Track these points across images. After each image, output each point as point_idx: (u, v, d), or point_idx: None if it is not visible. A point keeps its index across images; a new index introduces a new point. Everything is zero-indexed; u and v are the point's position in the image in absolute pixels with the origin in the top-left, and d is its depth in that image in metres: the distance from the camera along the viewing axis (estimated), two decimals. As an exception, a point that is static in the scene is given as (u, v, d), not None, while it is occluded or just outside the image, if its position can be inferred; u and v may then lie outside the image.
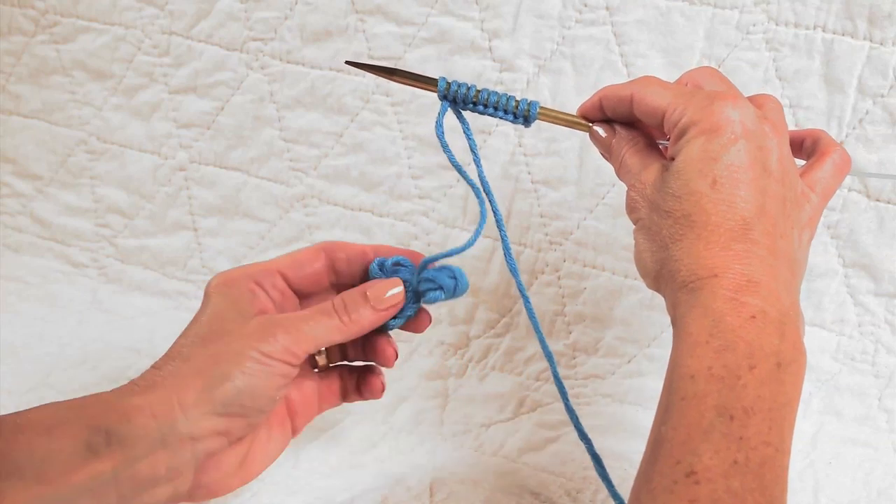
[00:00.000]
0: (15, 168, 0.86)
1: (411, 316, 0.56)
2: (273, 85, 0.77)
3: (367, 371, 0.60)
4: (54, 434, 0.46)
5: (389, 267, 0.56)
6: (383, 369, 0.60)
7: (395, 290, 0.54)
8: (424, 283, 0.54)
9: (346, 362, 0.61)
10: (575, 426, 0.56)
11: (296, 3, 0.74)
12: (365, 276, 0.57)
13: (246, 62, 0.77)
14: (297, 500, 0.64)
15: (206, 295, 0.54)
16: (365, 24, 0.73)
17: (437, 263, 0.55)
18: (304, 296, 0.58)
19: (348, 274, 0.58)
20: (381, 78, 0.74)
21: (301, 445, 0.68)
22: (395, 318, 0.56)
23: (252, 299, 0.54)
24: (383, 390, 0.59)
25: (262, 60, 0.77)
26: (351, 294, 0.54)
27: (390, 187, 0.77)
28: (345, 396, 0.60)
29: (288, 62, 0.76)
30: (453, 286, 0.54)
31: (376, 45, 0.73)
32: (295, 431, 0.58)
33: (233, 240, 0.81)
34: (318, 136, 0.77)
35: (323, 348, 0.57)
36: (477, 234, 0.52)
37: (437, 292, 0.54)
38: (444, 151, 0.53)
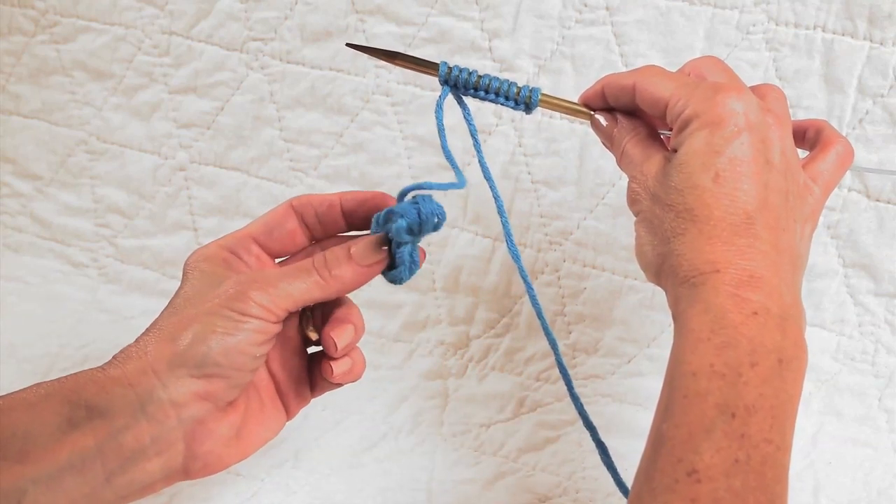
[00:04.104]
0: (15, 168, 0.86)
1: (409, 259, 0.52)
2: (273, 85, 0.77)
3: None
4: (35, 411, 0.46)
5: (382, 218, 0.52)
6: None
7: (381, 248, 0.52)
8: (389, 215, 0.50)
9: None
10: (579, 413, 0.56)
11: (296, 3, 0.74)
12: (343, 227, 0.55)
13: (246, 62, 0.77)
14: (297, 499, 0.64)
15: (183, 273, 0.53)
16: (365, 24, 0.73)
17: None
18: (282, 258, 0.56)
19: (322, 229, 0.55)
20: (381, 78, 0.75)
21: (301, 445, 0.68)
22: (391, 268, 0.52)
23: (227, 268, 0.53)
24: (332, 374, 0.54)
25: (262, 60, 0.77)
26: (333, 250, 0.52)
27: (390, 188, 0.76)
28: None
29: (288, 62, 0.76)
30: (416, 213, 0.49)
31: (376, 45, 0.73)
32: (288, 413, 0.56)
33: (233, 240, 0.81)
34: (318, 136, 0.77)
35: (311, 323, 0.56)
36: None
37: (400, 221, 0.49)
38: (439, 134, 0.52)
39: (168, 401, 0.47)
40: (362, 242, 0.52)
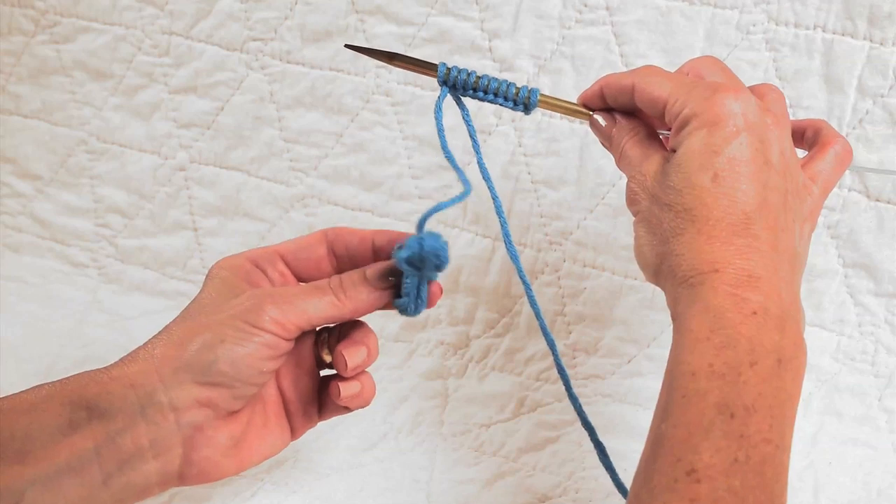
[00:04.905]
0: (15, 168, 0.86)
1: (414, 293, 0.52)
2: (273, 85, 0.77)
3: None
4: (36, 412, 0.46)
5: (396, 247, 0.52)
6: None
7: (389, 272, 0.52)
8: (400, 245, 0.50)
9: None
10: (578, 413, 0.56)
11: (296, 3, 0.74)
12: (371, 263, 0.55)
13: (246, 62, 0.77)
14: (297, 499, 0.64)
15: (206, 279, 0.53)
16: (365, 24, 0.73)
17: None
18: (307, 281, 0.56)
19: (350, 262, 0.55)
20: (381, 78, 0.75)
21: (301, 445, 0.68)
22: (401, 297, 0.53)
23: (247, 280, 0.53)
24: (339, 395, 0.54)
25: (262, 60, 0.77)
26: (349, 273, 0.53)
27: (390, 187, 0.77)
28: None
29: (288, 62, 0.76)
30: (418, 247, 0.49)
31: (376, 45, 0.73)
32: (294, 432, 0.56)
33: (233, 240, 0.81)
34: (318, 136, 0.77)
35: (326, 345, 0.56)
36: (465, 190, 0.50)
37: (402, 251, 0.49)
38: (439, 135, 0.52)
39: (168, 404, 0.47)
40: (376, 266, 0.53)
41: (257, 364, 0.49)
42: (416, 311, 0.53)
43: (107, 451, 0.46)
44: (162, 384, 0.47)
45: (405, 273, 0.51)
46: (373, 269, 0.52)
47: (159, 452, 0.48)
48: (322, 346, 0.56)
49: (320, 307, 0.51)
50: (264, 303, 0.49)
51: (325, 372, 0.57)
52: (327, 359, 0.56)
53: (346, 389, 0.54)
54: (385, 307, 0.54)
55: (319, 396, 0.57)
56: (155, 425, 0.47)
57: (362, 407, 0.56)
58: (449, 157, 0.52)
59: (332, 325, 0.56)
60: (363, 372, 0.55)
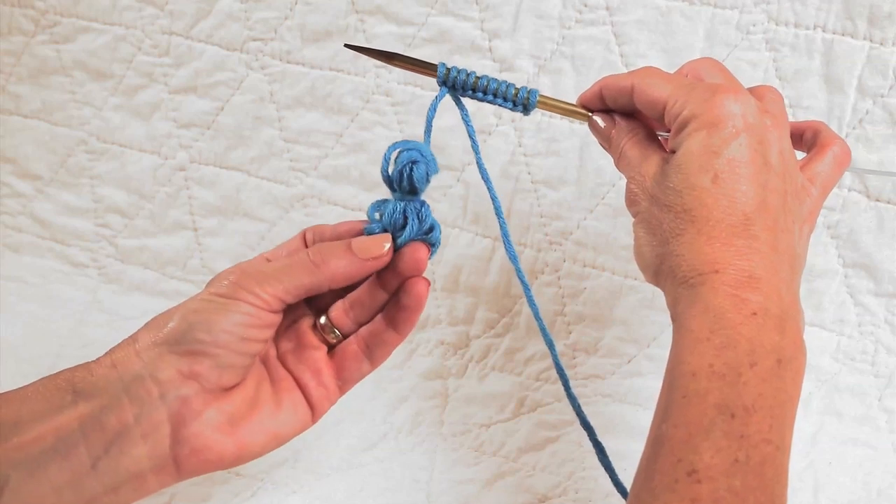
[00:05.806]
0: (15, 168, 0.86)
1: (427, 229, 0.52)
2: (273, 85, 0.77)
3: (395, 295, 0.54)
4: (26, 401, 0.46)
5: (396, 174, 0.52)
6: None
7: (383, 244, 0.52)
8: (405, 168, 0.51)
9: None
10: (577, 413, 0.56)
11: (296, 3, 0.74)
12: None
13: (246, 62, 0.77)
14: (297, 499, 0.64)
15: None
16: (365, 24, 0.73)
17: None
18: None
19: None
20: (381, 78, 0.75)
21: (301, 445, 0.68)
22: (425, 232, 0.53)
23: None
24: (420, 295, 0.53)
25: (262, 60, 0.77)
26: (331, 243, 0.52)
27: (390, 188, 0.77)
28: (370, 354, 0.55)
29: (288, 62, 0.76)
30: (385, 162, 0.52)
31: (376, 45, 0.73)
32: (315, 412, 0.54)
33: (233, 240, 0.81)
34: (318, 136, 0.77)
35: (330, 325, 0.55)
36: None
37: (419, 165, 0.51)
38: (425, 133, 0.52)
39: (150, 377, 0.47)
40: (365, 237, 0.52)
41: (236, 330, 0.48)
42: (418, 233, 0.52)
43: (92, 431, 0.46)
44: (142, 362, 0.47)
45: (392, 210, 0.52)
46: (360, 240, 0.52)
47: (146, 431, 0.47)
48: (326, 331, 0.55)
49: (296, 275, 0.50)
50: (240, 278, 0.49)
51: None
52: (333, 340, 0.55)
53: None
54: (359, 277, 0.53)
55: (336, 371, 0.55)
56: (139, 400, 0.47)
57: (419, 272, 0.54)
58: (427, 134, 0.53)
59: (321, 300, 0.55)
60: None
